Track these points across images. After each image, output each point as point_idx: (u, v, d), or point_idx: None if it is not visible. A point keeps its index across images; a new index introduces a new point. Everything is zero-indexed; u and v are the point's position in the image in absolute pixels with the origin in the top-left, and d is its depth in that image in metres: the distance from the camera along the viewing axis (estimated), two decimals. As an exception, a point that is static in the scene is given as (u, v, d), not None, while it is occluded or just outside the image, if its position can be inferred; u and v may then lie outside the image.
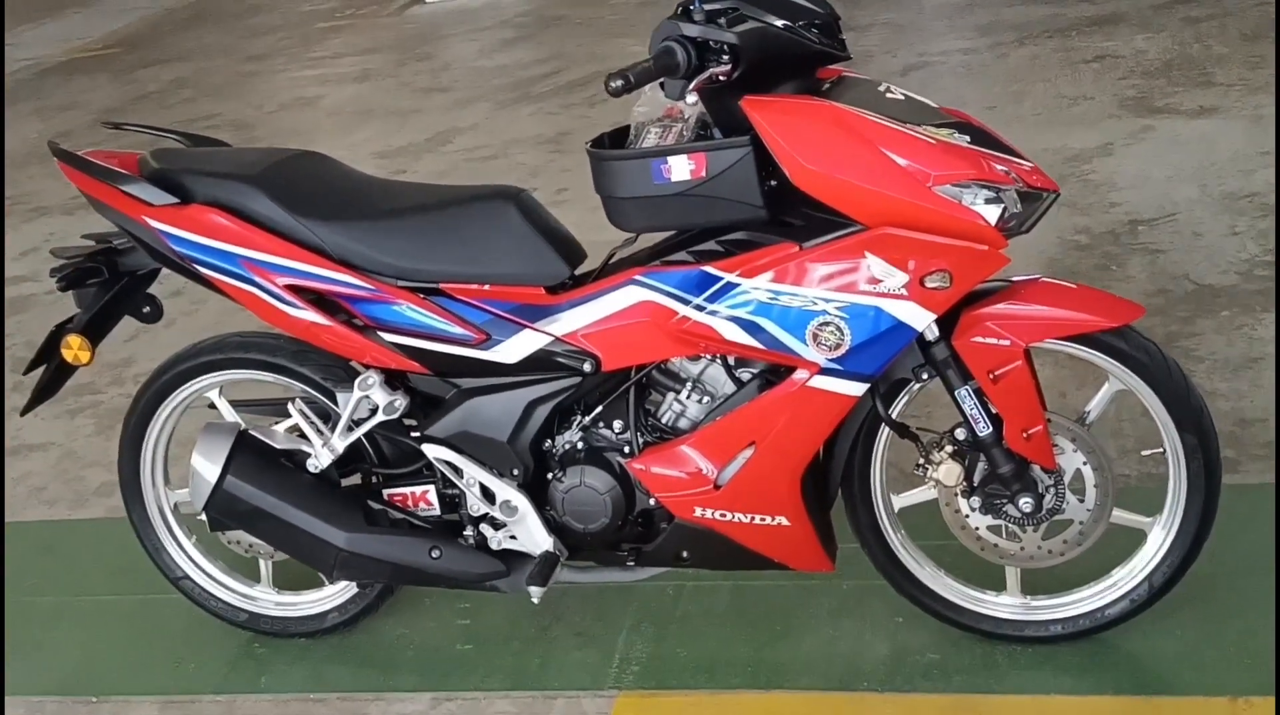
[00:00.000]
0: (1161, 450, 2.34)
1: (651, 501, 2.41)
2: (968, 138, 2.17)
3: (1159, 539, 2.37)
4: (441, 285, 2.38)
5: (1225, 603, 2.46)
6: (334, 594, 2.74)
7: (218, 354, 2.61)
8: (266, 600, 2.79)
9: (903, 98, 2.24)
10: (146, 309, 2.69)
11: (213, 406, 2.71)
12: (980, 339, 2.22)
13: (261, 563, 2.77)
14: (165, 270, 2.54)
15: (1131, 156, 4.69)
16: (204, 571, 2.80)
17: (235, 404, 2.68)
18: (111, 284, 2.59)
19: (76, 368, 2.65)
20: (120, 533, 3.27)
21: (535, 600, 2.42)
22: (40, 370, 2.69)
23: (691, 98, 2.07)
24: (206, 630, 2.84)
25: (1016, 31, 6.35)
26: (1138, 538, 2.41)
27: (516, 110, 6.36)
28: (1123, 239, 4.06)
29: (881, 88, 2.25)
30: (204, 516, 2.60)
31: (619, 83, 2.01)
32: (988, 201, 2.12)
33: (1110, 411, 2.42)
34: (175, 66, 8.65)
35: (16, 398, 4.17)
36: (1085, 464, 2.32)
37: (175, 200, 2.42)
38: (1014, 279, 2.29)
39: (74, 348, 2.56)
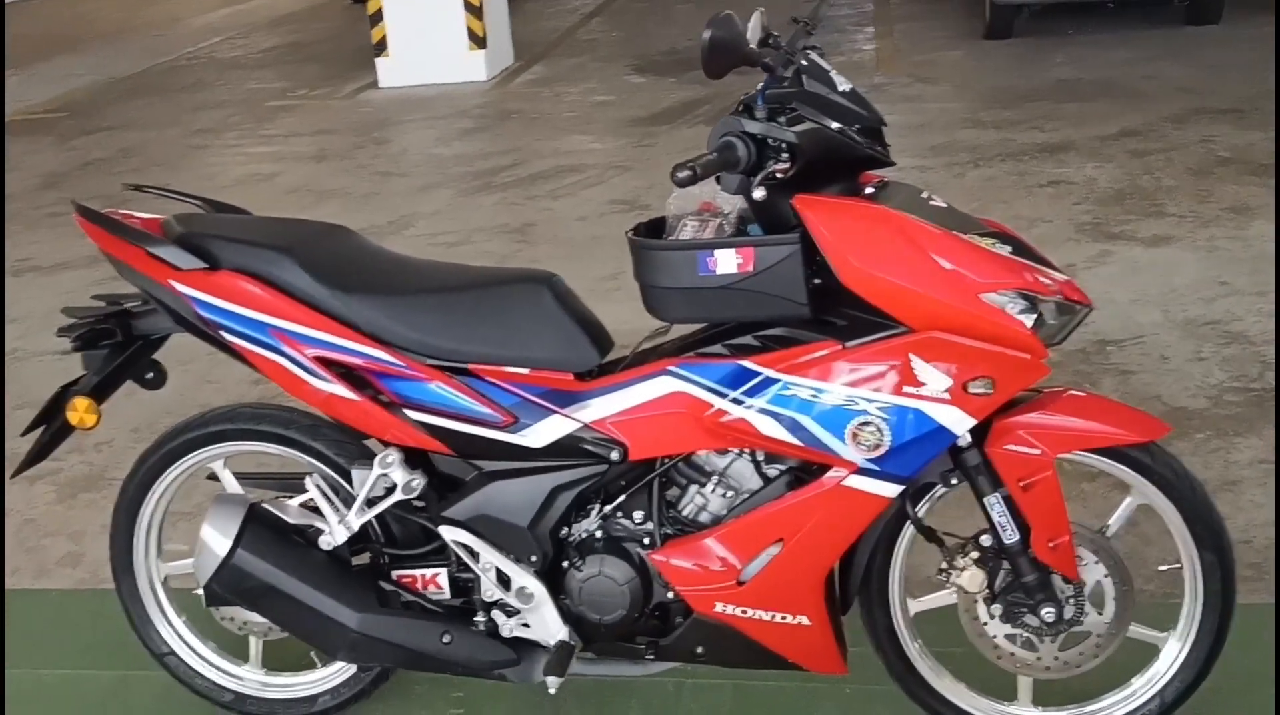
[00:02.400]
0: (1178, 565, 2.38)
1: (669, 594, 2.39)
2: (1009, 248, 2.23)
3: (1172, 654, 2.40)
4: (471, 366, 2.36)
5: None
6: (327, 676, 2.66)
7: (228, 424, 2.55)
8: (254, 681, 2.70)
9: (944, 206, 2.29)
10: (150, 375, 2.63)
11: (213, 478, 2.64)
12: (1013, 447, 2.25)
13: (253, 641, 2.68)
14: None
15: (1094, 278, 4.82)
16: (191, 649, 2.70)
17: (239, 476, 2.61)
18: (124, 347, 2.52)
19: (74, 430, 2.57)
20: (91, 604, 3.18)
21: (551, 690, 2.37)
22: (39, 431, 2.59)
23: (759, 192, 2.09)
24: (186, 711, 2.73)
25: (970, 153, 6.54)
26: (1150, 652, 2.43)
27: (478, 199, 6.38)
28: (1093, 358, 4.16)
29: (924, 195, 2.30)
30: (201, 590, 2.51)
31: (686, 173, 2.03)
32: (1022, 311, 2.16)
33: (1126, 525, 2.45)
34: (121, 135, 8.54)
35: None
36: (1106, 576, 2.35)
37: (203, 265, 2.38)
38: (1044, 389, 2.33)
39: (80, 410, 2.48)
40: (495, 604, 2.43)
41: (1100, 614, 2.36)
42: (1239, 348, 4.15)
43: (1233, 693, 2.54)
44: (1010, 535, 2.29)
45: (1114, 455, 2.31)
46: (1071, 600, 2.33)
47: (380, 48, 9.24)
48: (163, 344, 2.62)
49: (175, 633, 2.70)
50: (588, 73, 9.14)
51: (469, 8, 9.07)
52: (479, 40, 9.14)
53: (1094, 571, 2.35)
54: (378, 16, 9.21)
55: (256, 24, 13.06)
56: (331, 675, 2.65)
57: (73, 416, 2.49)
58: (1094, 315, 4.37)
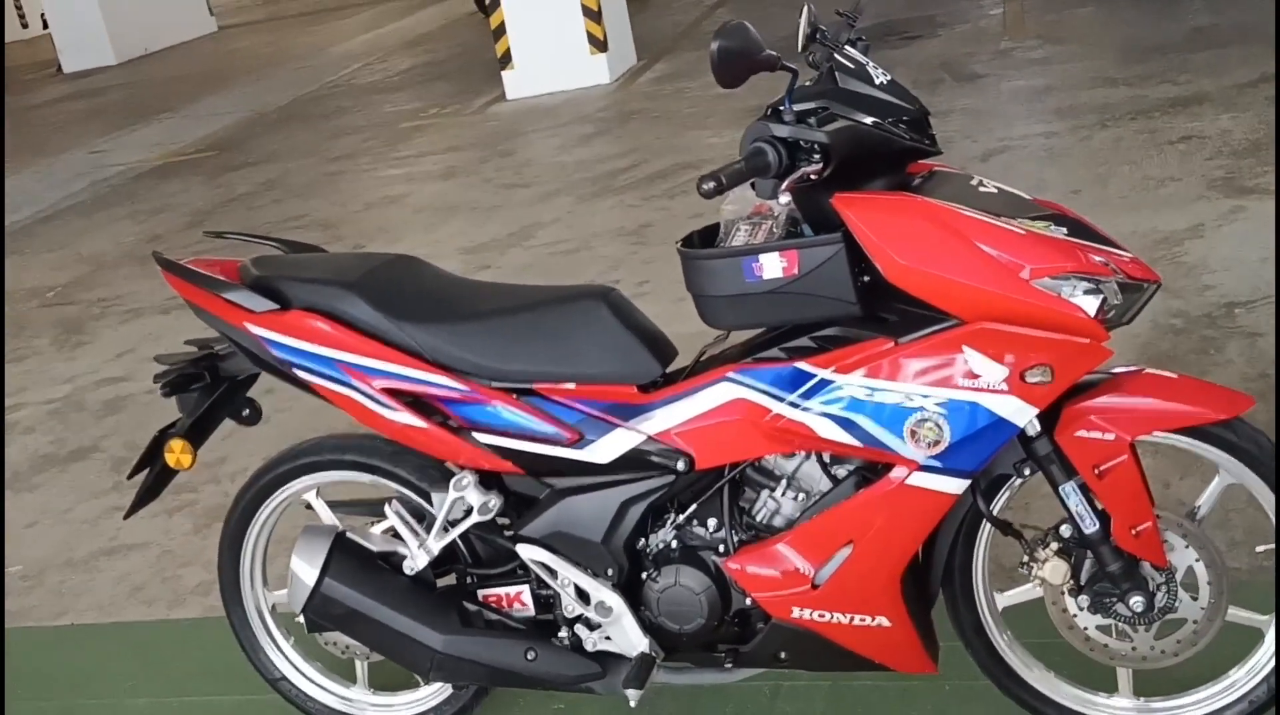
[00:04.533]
0: (1274, 546, 2.27)
1: (748, 601, 2.38)
2: (1065, 229, 2.15)
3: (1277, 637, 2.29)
4: (534, 385, 2.39)
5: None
6: (430, 695, 2.73)
7: (315, 456, 2.64)
8: (363, 701, 2.79)
9: (995, 190, 2.23)
10: (245, 412, 2.74)
11: (309, 507, 2.74)
12: (1084, 433, 2.18)
13: (358, 663, 2.77)
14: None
15: (1223, 238, 4.61)
16: (301, 673, 2.80)
17: (332, 505, 2.70)
18: (213, 389, 2.64)
19: (178, 472, 2.70)
20: (217, 633, 3.30)
21: (632, 703, 2.39)
22: (143, 474, 2.73)
23: (784, 197, 2.07)
24: (300, 733, 2.84)
25: (1097, 114, 6.31)
26: (1254, 636, 2.32)
27: (597, 203, 6.43)
28: (1219, 322, 3.98)
29: (974, 181, 2.24)
30: (302, 618, 2.61)
31: (711, 184, 2.02)
32: (1086, 293, 2.09)
33: (1219, 504, 2.35)
34: (264, 168, 8.87)
35: (116, 497, 4.26)
36: (1197, 561, 2.26)
37: (275, 307, 2.47)
38: (1116, 371, 2.25)
39: (176, 452, 2.60)
40: (577, 619, 2.46)
41: (1195, 600, 2.27)
42: (1380, 303, 3.92)
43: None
44: (1089, 525, 2.22)
45: (1196, 434, 2.21)
46: (1162, 587, 2.25)
47: (505, 60, 9.38)
48: (253, 383, 2.73)
49: (285, 658, 2.81)
50: (708, 67, 9.10)
51: (587, 12, 9.14)
52: (599, 44, 9.20)
53: (1185, 556, 2.26)
54: (501, 30, 9.35)
55: (393, 47, 13.39)
56: (434, 694, 2.72)
57: (170, 458, 2.61)
58: (1220, 276, 4.27)
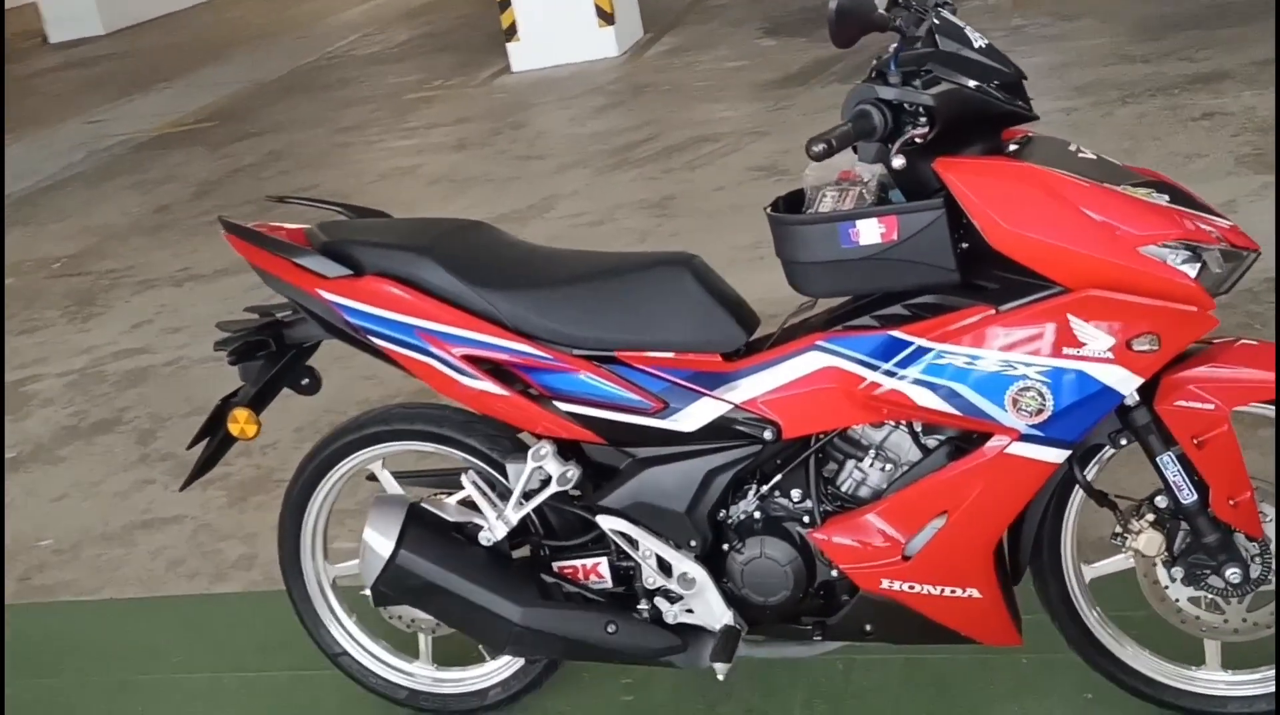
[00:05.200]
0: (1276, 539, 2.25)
1: (833, 573, 2.35)
2: (1166, 197, 2.12)
3: (1371, 609, 2.27)
4: (617, 353, 2.35)
5: None
6: (497, 669, 2.68)
7: (382, 426, 2.59)
8: (425, 676, 2.74)
9: (1094, 157, 2.19)
10: (305, 381, 2.68)
11: (372, 478, 2.69)
12: (1184, 403, 2.15)
13: (421, 638, 2.72)
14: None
15: (1257, 213, 4.58)
16: (363, 648, 2.75)
17: (397, 476, 2.65)
18: (278, 357, 2.58)
19: (237, 441, 2.64)
20: (266, 606, 3.27)
21: (720, 676, 2.35)
22: (203, 443, 2.68)
23: (898, 160, 2.03)
24: (361, 707, 2.79)
25: (1118, 90, 6.27)
26: (1346, 608, 2.31)
27: (616, 176, 6.37)
28: (1262, 297, 3.96)
29: (1072, 147, 2.21)
30: (367, 591, 2.57)
31: (821, 147, 1.98)
32: (1185, 261, 2.06)
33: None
34: (269, 139, 8.77)
35: (144, 470, 4.20)
36: (1293, 532, 2.24)
37: (348, 272, 2.41)
38: (1213, 341, 2.22)
39: (240, 421, 2.55)
40: (657, 591, 2.42)
41: (1290, 572, 2.25)
42: None
43: None
44: (1187, 495, 2.19)
45: (1293, 404, 2.19)
46: (1257, 559, 2.22)
47: (510, 33, 9.29)
48: (315, 351, 2.68)
49: (346, 633, 2.75)
50: (718, 38, 9.05)
51: (595, -16, 9.07)
52: (607, 16, 9.12)
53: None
54: (505, 2, 9.25)
55: (392, 18, 13.26)
56: (501, 668, 2.68)
57: (234, 428, 2.56)
58: (1263, 252, 4.22)
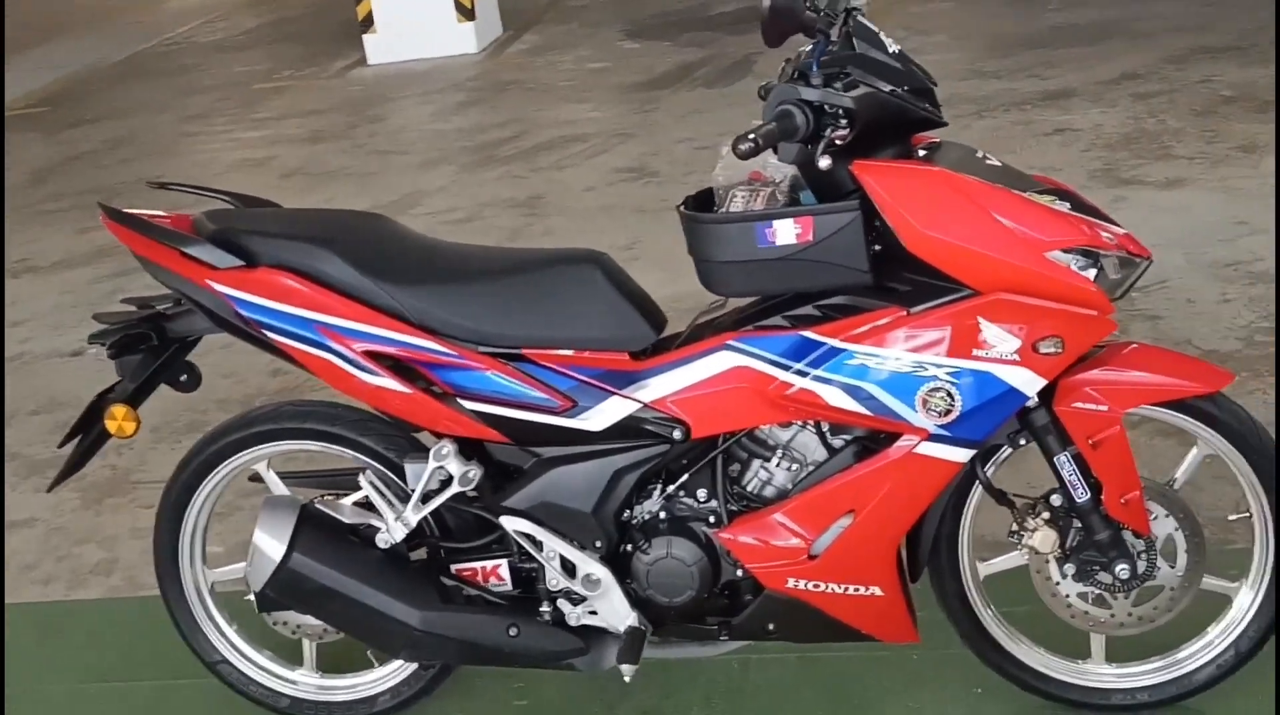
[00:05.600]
0: (1248, 515, 2.35)
1: (739, 572, 2.35)
2: (1067, 204, 2.18)
3: (1245, 603, 2.38)
4: (524, 351, 2.31)
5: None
6: (386, 676, 2.61)
7: (272, 424, 2.50)
8: (309, 684, 2.65)
9: (1000, 164, 2.25)
10: (184, 377, 2.56)
11: (256, 479, 2.59)
12: (1081, 405, 2.22)
13: (306, 645, 2.63)
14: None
15: (1112, 225, 4.76)
16: (243, 655, 2.65)
17: (284, 476, 2.56)
18: (159, 351, 2.46)
19: (109, 439, 2.51)
20: (131, 613, 3.12)
21: (627, 678, 2.33)
22: (75, 442, 2.54)
23: (824, 161, 2.03)
24: (241, 715, 2.70)
25: (974, 104, 6.46)
26: (1222, 602, 2.40)
27: (482, 173, 6.29)
28: (1121, 306, 4.08)
29: (979, 154, 2.25)
30: (253, 597, 2.47)
31: (748, 145, 1.98)
32: (1085, 267, 2.12)
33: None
34: (108, 125, 8.42)
35: None
36: (1177, 529, 2.32)
37: (241, 263, 2.32)
38: (1106, 344, 2.29)
39: (119, 419, 2.42)
40: (560, 593, 2.39)
41: (1173, 567, 2.33)
42: (1264, 287, 4.10)
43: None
44: (1082, 493, 2.26)
45: (1180, 407, 2.27)
46: (1144, 555, 2.31)
47: (367, 24, 9.11)
48: (196, 346, 2.57)
49: (226, 639, 2.65)
50: (579, 39, 9.03)
51: (454, -21, 8.96)
52: (467, 11, 9.02)
53: (1165, 525, 2.32)
54: (362, -8, 9.09)
55: (235, 5, 12.86)
56: (391, 674, 2.61)
57: (111, 425, 2.43)
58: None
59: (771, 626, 2.36)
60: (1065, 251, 2.10)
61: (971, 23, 8.10)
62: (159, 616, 2.68)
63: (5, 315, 5.10)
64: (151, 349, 2.46)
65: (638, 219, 5.31)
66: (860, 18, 2.20)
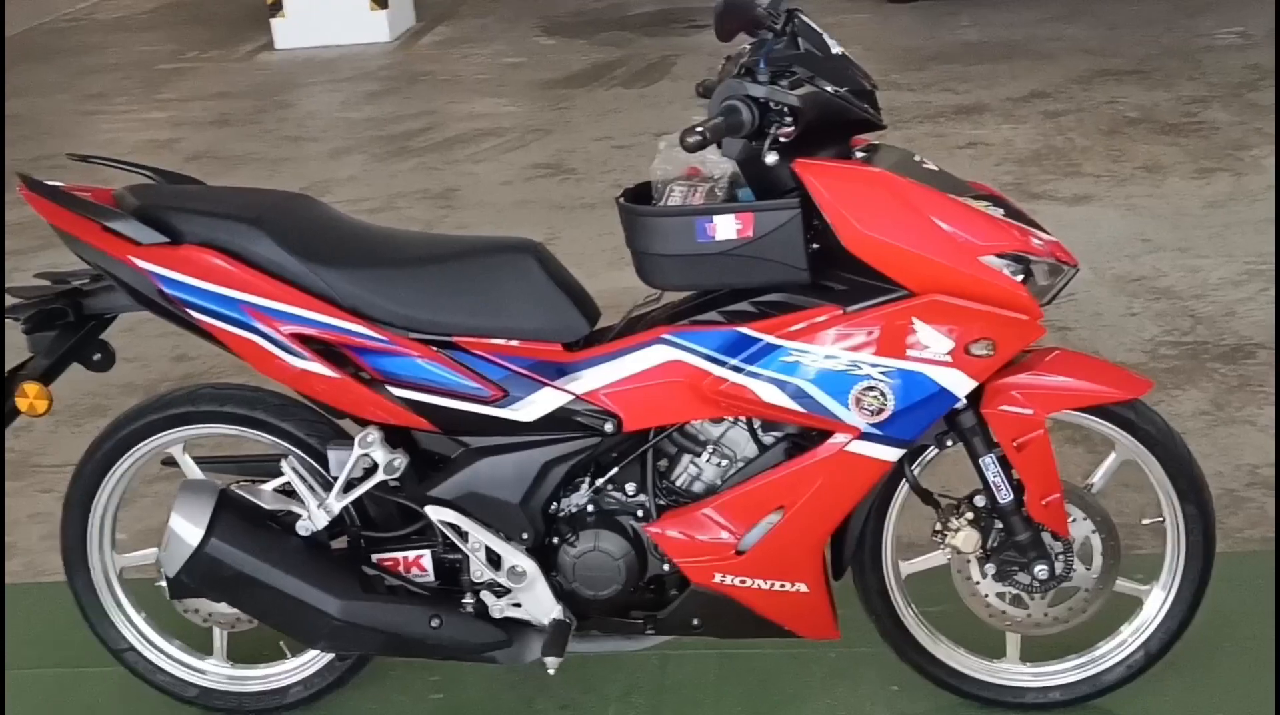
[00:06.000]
0: (1161, 519, 2.41)
1: (665, 567, 2.35)
2: (1000, 211, 2.22)
3: (1155, 606, 2.44)
4: (456, 339, 2.28)
5: (1209, 667, 2.54)
6: (300, 666, 2.56)
7: (189, 406, 2.44)
8: (219, 674, 2.58)
9: (936, 169, 2.28)
10: (98, 356, 2.49)
11: (169, 463, 2.53)
12: (1007, 408, 2.26)
13: (217, 633, 2.56)
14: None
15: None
16: (151, 643, 2.58)
17: (199, 461, 2.49)
18: (75, 328, 2.39)
19: (17, 416, 2.43)
20: (32, 599, 3.02)
21: (551, 671, 2.31)
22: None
23: (771, 157, 2.04)
24: (142, 707, 2.62)
25: (888, 115, 6.34)
26: (1133, 605, 2.46)
27: (395, 163, 6.22)
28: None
29: (916, 158, 2.28)
30: (165, 583, 2.41)
31: (696, 138, 1.98)
32: (1016, 273, 2.16)
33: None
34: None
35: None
36: (1094, 532, 2.37)
37: (165, 239, 2.26)
38: (1032, 350, 2.34)
39: (30, 396, 2.34)
40: (484, 584, 2.36)
41: (1088, 569, 2.38)
42: (1168, 302, 4.23)
43: (1219, 643, 2.59)
44: (1005, 495, 2.29)
45: (1100, 413, 2.32)
46: (1062, 557, 2.35)
47: (276, 8, 8.94)
48: (111, 323, 2.49)
49: (133, 627, 2.57)
50: (494, 34, 8.97)
51: (367, -33, 8.84)
52: (380, 0, 8.91)
53: (1082, 527, 2.37)
54: (272, -25, 8.92)
55: (136, -16, 12.57)
56: (304, 665, 2.55)
57: (23, 403, 2.34)
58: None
59: (697, 621, 2.37)
60: (998, 256, 2.14)
61: (885, 36, 8.22)
62: (61, 602, 2.60)
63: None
64: (67, 326, 2.38)
65: (554, 215, 5.29)
66: (804, 18, 2.21)
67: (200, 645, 2.60)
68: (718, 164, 2.21)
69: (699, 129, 1.99)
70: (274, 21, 8.98)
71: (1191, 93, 6.44)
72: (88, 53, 9.52)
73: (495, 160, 6.14)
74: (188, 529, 2.30)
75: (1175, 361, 3.84)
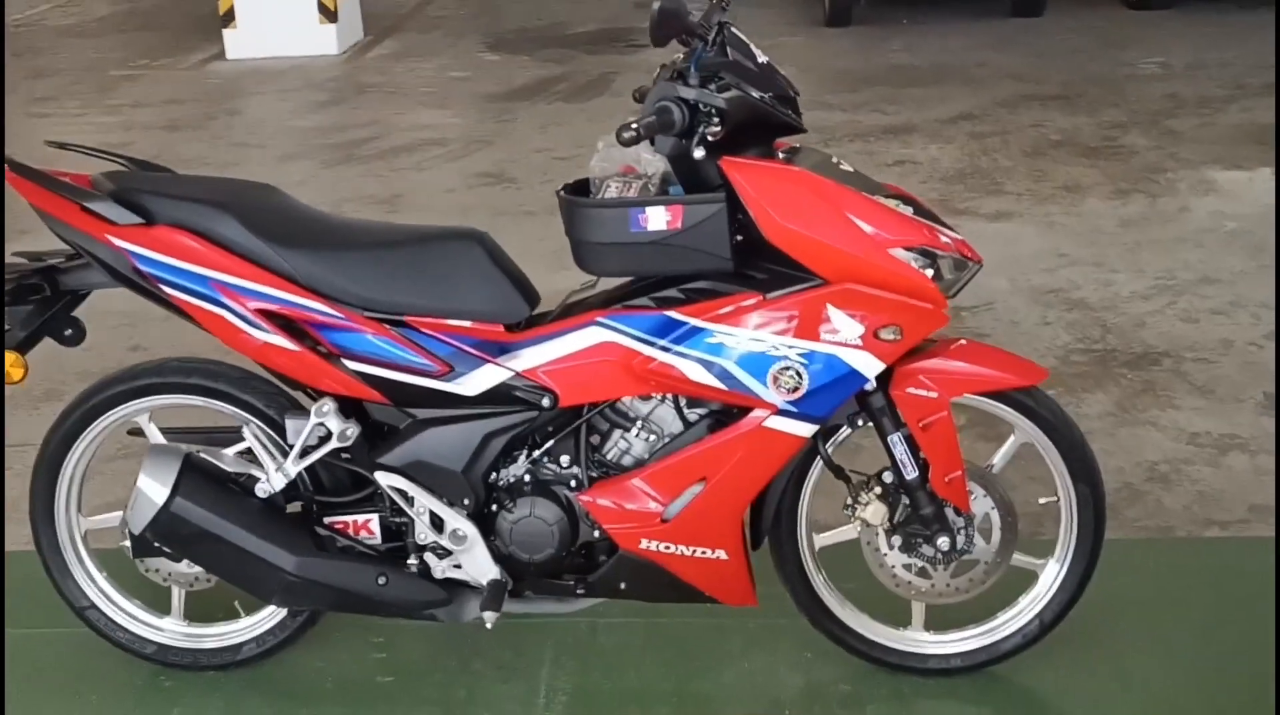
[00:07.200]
0: (1056, 499, 2.63)
1: (596, 534, 2.53)
2: (910, 209, 2.43)
3: (1050, 579, 2.64)
4: (407, 318, 2.45)
5: (1099, 639, 2.76)
6: (252, 625, 2.72)
7: (156, 377, 2.59)
8: (176, 632, 2.73)
9: (852, 170, 2.49)
10: (69, 332, 2.64)
11: (135, 432, 2.68)
12: (914, 391, 2.46)
13: (176, 592, 2.71)
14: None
15: (943, 251, 5.11)
16: (111, 602, 2.72)
17: (165, 432, 2.64)
18: (51, 303, 2.54)
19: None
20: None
21: (488, 625, 2.48)
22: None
23: (699, 152, 2.23)
24: (105, 663, 2.76)
25: (820, 134, 6.78)
26: (1029, 578, 2.68)
27: (342, 170, 6.37)
28: (950, 323, 4.41)
29: (834, 159, 2.49)
30: (128, 542, 2.56)
31: (630, 133, 2.17)
32: (924, 266, 2.37)
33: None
34: (-50, 102, 8.21)
35: None
36: (993, 509, 2.58)
37: (140, 220, 2.42)
38: (939, 339, 2.55)
39: (7, 364, 2.49)
40: (428, 547, 2.53)
41: (988, 543, 2.59)
42: (1081, 313, 4.48)
43: (1103, 618, 2.80)
44: (910, 471, 2.50)
45: (1000, 398, 2.54)
46: (963, 531, 2.55)
47: (228, 18, 9.07)
48: (84, 300, 2.64)
49: (95, 586, 2.72)
50: (440, 49, 9.15)
51: (318, -20, 8.99)
52: (329, 14, 9.06)
53: (983, 504, 2.57)
54: (223, -15, 9.05)
55: (85, -10, 12.61)
56: (257, 623, 2.71)
57: (-1, 370, 2.50)
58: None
59: (624, 585, 2.54)
60: (907, 249, 2.35)
61: (818, 59, 8.49)
62: (20, 571, 2.71)
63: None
64: (44, 300, 2.53)
65: (496, 220, 5.44)
66: (733, 29, 2.42)
67: (159, 606, 2.75)
68: (651, 162, 2.41)
69: (634, 125, 2.18)
70: (226, 32, 9.10)
71: (1112, 118, 6.76)
72: (37, 56, 9.59)
73: (439, 168, 6.32)
74: (154, 488, 2.45)
75: (1085, 367, 4.09)
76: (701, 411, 2.49)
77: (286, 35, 8.96)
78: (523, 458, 2.53)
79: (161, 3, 11.49)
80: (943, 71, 7.91)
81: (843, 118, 7.06)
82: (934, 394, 2.46)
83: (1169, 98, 7.10)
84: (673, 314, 2.38)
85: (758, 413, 2.40)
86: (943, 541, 2.53)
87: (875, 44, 8.75)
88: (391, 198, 5.91)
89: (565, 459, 2.53)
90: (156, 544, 2.52)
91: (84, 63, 9.24)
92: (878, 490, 2.55)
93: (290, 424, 2.51)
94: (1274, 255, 4.85)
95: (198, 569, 2.62)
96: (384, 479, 2.49)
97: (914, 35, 8.84)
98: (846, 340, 2.34)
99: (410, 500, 2.50)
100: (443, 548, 2.52)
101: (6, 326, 2.52)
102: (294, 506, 2.58)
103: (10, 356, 2.48)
